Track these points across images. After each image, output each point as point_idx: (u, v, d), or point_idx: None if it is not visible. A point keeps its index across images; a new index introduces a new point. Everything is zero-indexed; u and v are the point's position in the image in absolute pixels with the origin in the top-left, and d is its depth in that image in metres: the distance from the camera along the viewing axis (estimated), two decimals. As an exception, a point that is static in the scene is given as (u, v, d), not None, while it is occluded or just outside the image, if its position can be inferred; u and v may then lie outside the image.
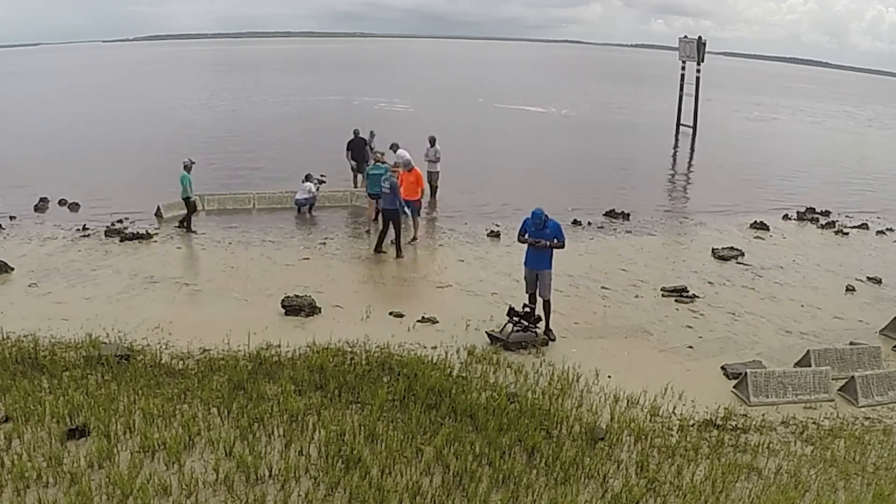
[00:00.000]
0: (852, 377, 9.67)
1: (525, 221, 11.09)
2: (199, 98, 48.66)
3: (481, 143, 27.31)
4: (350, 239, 16.52)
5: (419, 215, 16.21)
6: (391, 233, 14.75)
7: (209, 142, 30.31)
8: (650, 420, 8.39)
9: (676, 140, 35.48)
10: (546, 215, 10.96)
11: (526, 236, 11.04)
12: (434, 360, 9.42)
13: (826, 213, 20.96)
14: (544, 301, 11.11)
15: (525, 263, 11.28)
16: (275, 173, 23.41)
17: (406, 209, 14.97)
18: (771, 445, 8.00)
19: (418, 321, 11.29)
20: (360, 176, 20.19)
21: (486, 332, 10.81)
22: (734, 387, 9.56)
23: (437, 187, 19.86)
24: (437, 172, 19.68)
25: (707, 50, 33.96)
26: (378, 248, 14.97)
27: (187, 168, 16.59)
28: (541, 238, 10.91)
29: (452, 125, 33.53)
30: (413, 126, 30.08)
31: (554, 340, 10.84)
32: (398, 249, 14.72)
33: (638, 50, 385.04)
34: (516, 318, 10.52)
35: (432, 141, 19.59)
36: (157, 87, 59.23)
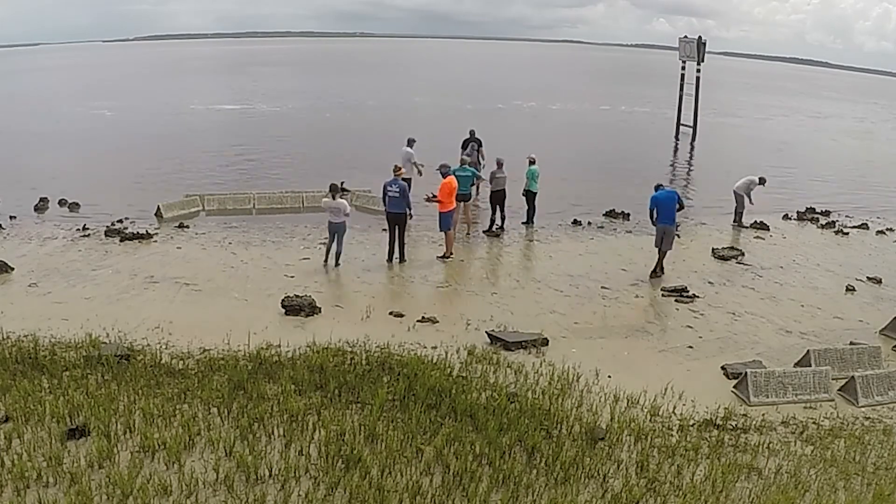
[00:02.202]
0: (852, 377, 9.67)
1: (653, 198, 14.54)
2: (202, 98, 48.67)
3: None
4: (350, 239, 16.48)
5: (451, 229, 15.06)
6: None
7: (215, 142, 30.37)
8: (650, 420, 8.39)
9: (676, 140, 35.47)
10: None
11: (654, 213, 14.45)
12: (434, 360, 9.42)
13: (826, 213, 20.95)
14: (663, 252, 14.48)
15: (657, 222, 14.47)
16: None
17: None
18: (771, 445, 8.00)
19: (418, 321, 11.30)
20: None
21: (486, 331, 10.82)
22: (734, 387, 9.56)
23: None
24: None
25: (710, 50, 33.90)
26: (391, 257, 14.62)
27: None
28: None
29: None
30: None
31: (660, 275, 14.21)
32: (401, 254, 14.63)
33: (639, 50, 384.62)
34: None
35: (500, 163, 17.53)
36: (156, 86, 59.22)
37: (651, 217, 14.61)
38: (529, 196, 17.87)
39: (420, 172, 18.02)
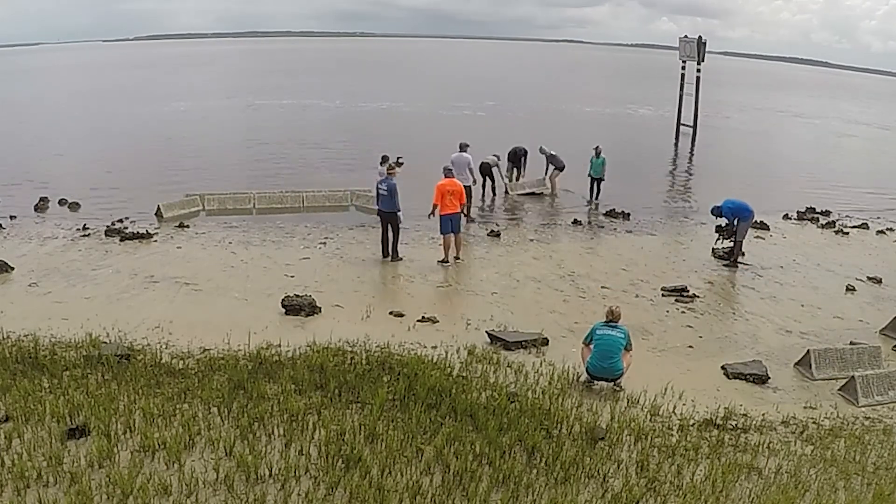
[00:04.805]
0: (852, 377, 9.67)
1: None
2: (206, 98, 48.68)
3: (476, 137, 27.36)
4: (350, 239, 16.50)
5: (460, 231, 14.90)
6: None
7: (223, 142, 30.39)
8: (650, 420, 8.39)
9: (677, 140, 35.46)
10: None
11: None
12: (434, 360, 9.42)
13: (826, 213, 20.94)
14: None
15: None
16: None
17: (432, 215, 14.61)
18: (771, 445, 8.00)
19: (418, 321, 11.30)
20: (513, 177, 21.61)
21: (486, 331, 10.82)
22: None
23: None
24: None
25: (713, 50, 33.90)
26: (385, 253, 14.72)
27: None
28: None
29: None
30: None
31: None
32: (394, 252, 14.67)
33: (641, 49, 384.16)
34: None
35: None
36: (157, 87, 59.23)
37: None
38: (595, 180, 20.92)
39: (475, 181, 18.20)
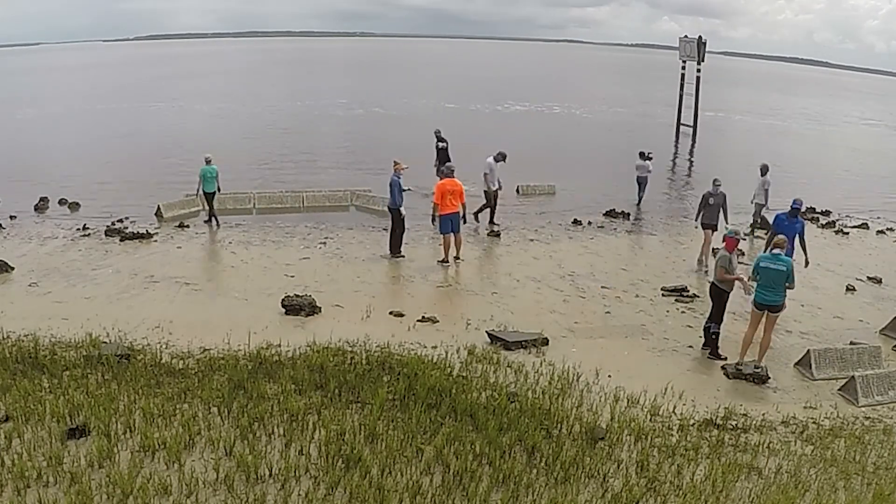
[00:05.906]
0: (852, 377, 9.68)
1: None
2: (206, 98, 48.68)
3: (473, 138, 27.33)
4: (350, 239, 16.51)
5: (449, 233, 14.72)
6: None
7: (225, 142, 30.37)
8: (650, 420, 8.39)
9: (677, 140, 35.47)
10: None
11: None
12: (434, 360, 9.42)
13: (826, 213, 20.96)
14: None
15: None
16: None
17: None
18: (771, 445, 8.00)
19: (418, 321, 11.30)
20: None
21: (487, 331, 10.82)
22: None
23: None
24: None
25: (713, 50, 34.02)
26: (390, 249, 14.87)
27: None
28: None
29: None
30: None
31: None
32: (393, 247, 14.75)
33: (643, 49, 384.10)
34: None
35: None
36: (157, 87, 59.23)
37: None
38: None
39: (500, 187, 18.13)
